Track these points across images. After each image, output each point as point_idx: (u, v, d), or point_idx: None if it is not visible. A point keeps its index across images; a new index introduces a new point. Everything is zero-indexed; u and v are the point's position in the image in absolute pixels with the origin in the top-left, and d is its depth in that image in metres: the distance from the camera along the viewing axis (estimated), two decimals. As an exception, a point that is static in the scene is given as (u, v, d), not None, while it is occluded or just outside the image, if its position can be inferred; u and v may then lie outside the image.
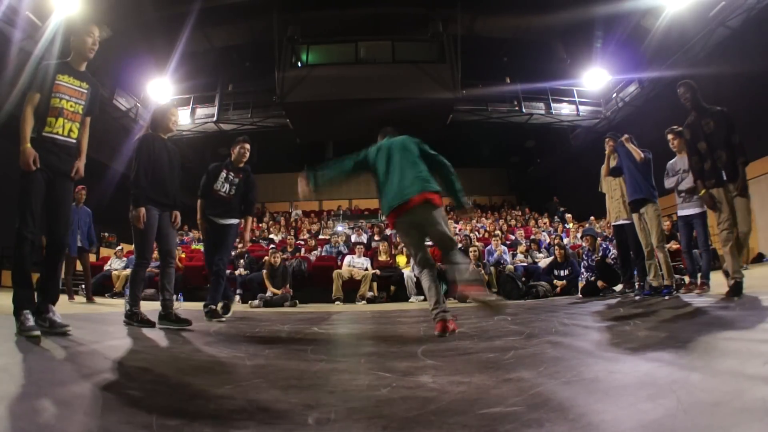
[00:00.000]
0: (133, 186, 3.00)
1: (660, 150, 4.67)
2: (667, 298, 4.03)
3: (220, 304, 3.93)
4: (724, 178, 3.57)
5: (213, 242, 3.94)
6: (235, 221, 3.98)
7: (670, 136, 4.42)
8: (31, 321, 2.20)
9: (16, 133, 2.40)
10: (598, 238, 6.56)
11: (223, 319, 3.78)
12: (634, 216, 4.52)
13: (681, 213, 4.42)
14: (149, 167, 3.05)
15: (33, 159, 2.32)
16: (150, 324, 2.92)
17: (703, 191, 3.69)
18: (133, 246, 3.06)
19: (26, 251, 2.29)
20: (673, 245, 5.98)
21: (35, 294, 2.36)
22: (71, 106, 2.50)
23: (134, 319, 2.93)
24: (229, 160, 4.06)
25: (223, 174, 3.94)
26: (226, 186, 3.93)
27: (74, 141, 2.53)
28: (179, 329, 2.87)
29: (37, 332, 2.14)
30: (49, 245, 2.49)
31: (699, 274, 4.33)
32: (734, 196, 3.51)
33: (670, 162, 4.54)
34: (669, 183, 4.50)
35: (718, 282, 3.68)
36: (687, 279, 4.57)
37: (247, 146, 4.05)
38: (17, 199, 2.32)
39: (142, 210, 2.96)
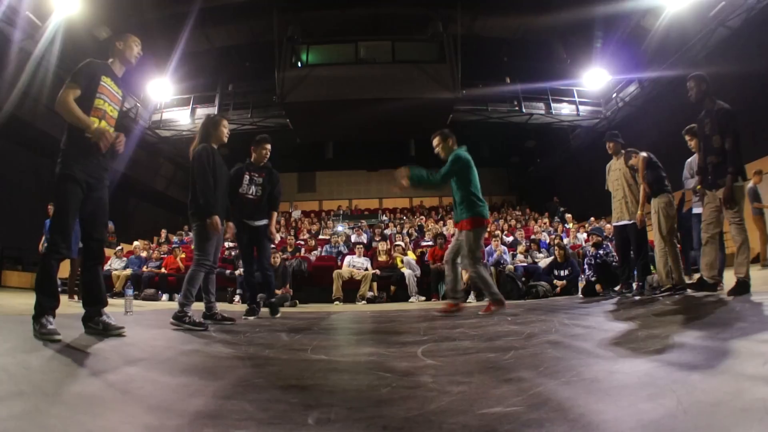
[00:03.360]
0: (202, 195, 3.04)
1: (661, 150, 4.67)
2: (660, 298, 4.03)
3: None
4: (710, 181, 3.60)
5: (249, 245, 4.07)
6: (265, 222, 4.08)
7: (687, 137, 4.38)
8: (51, 325, 2.17)
9: (16, 133, 2.40)
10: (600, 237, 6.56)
11: (279, 314, 4.17)
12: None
13: (696, 211, 4.42)
14: (214, 178, 3.14)
15: (106, 135, 2.24)
16: (201, 326, 2.87)
17: (698, 187, 3.83)
18: (197, 247, 3.15)
19: (56, 264, 2.29)
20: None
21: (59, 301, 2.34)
22: (111, 110, 2.46)
23: (184, 321, 2.87)
24: (249, 161, 4.13)
25: (247, 177, 4.01)
26: (252, 188, 4.01)
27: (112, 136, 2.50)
28: (192, 329, 2.88)
29: (59, 336, 2.12)
30: (89, 252, 2.49)
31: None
32: (722, 205, 3.49)
33: (688, 161, 4.54)
34: (689, 184, 4.51)
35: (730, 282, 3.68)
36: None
37: (269, 146, 4.15)
38: (54, 209, 2.30)
39: (216, 218, 3.05)
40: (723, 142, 3.44)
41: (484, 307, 3.79)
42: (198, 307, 3.27)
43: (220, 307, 3.87)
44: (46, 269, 2.27)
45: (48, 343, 2.04)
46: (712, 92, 3.63)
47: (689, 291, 4.06)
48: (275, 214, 4.32)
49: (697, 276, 5.30)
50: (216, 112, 13.24)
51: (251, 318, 3.90)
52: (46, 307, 2.20)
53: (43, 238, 7.84)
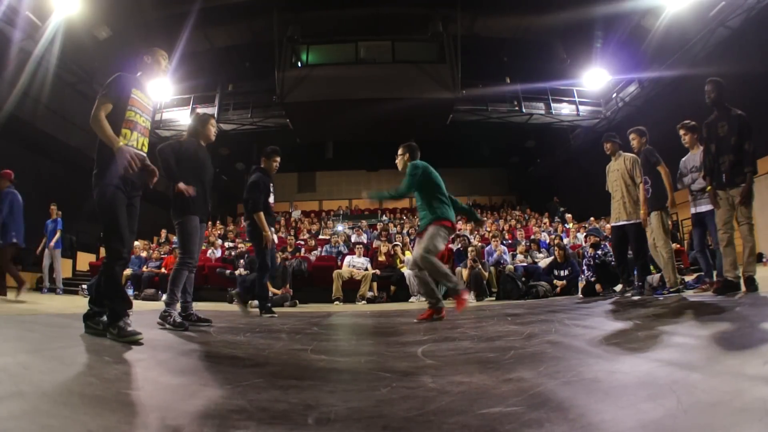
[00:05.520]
0: (179, 194, 3.04)
1: (660, 150, 4.67)
2: (661, 298, 4.03)
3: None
4: (724, 181, 3.66)
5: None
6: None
7: (681, 132, 4.39)
8: (130, 327, 2.19)
9: (16, 133, 2.38)
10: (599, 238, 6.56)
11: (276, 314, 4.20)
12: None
13: (694, 210, 4.39)
14: (193, 174, 3.15)
15: (132, 158, 2.26)
16: (182, 326, 2.86)
17: (709, 188, 3.86)
18: (180, 246, 3.18)
19: (120, 269, 2.33)
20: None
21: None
22: (143, 121, 2.51)
23: (168, 321, 2.89)
24: (262, 167, 4.33)
25: (271, 187, 4.28)
26: (272, 198, 4.31)
27: (144, 155, 2.53)
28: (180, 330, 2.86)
29: (140, 336, 2.15)
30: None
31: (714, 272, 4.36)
32: (737, 203, 3.58)
33: (683, 160, 4.52)
34: (683, 182, 4.51)
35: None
36: (687, 278, 4.57)
37: (279, 159, 4.40)
38: (105, 216, 2.30)
39: (195, 219, 3.10)
40: (742, 144, 3.58)
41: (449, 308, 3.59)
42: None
43: (220, 307, 3.89)
44: (112, 276, 2.30)
45: (129, 344, 2.08)
46: (726, 98, 3.77)
47: (690, 292, 4.08)
48: None
49: (694, 276, 5.31)
50: (216, 112, 13.26)
51: (276, 316, 4.05)
52: (120, 312, 2.24)
53: (44, 240, 7.85)
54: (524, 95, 13.46)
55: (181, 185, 3.04)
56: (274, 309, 4.39)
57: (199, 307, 3.90)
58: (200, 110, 13.17)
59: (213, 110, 13.36)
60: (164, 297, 3.11)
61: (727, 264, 3.65)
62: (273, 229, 4.40)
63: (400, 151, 3.86)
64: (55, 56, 9.08)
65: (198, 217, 3.15)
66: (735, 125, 3.63)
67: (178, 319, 2.93)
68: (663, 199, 4.39)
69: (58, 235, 7.73)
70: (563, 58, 14.24)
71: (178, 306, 3.13)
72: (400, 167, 3.83)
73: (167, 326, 2.85)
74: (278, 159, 4.39)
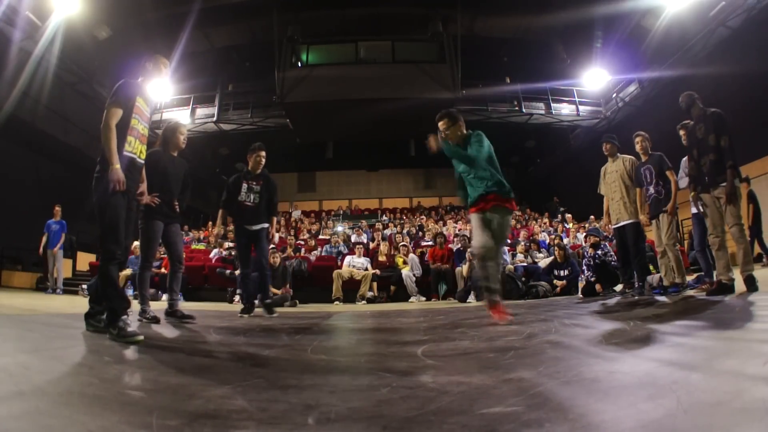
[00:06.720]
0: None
1: (660, 151, 4.67)
2: (660, 298, 4.03)
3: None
4: (707, 182, 3.64)
5: (247, 248, 4.27)
6: (266, 225, 4.28)
7: (682, 132, 4.39)
8: (130, 327, 2.21)
9: (17, 133, 2.39)
10: (598, 238, 6.55)
11: (276, 314, 4.12)
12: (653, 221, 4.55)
13: (694, 210, 4.39)
14: (156, 182, 3.28)
15: (120, 182, 2.30)
16: (156, 320, 3.25)
17: (692, 194, 3.85)
18: (140, 249, 3.50)
19: (115, 269, 2.35)
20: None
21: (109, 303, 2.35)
22: (143, 129, 2.54)
23: (144, 316, 3.28)
24: (247, 169, 4.31)
25: (245, 186, 4.22)
26: (251, 196, 4.23)
27: (142, 162, 2.59)
28: (183, 324, 3.17)
29: (141, 337, 2.16)
30: None
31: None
32: (723, 203, 3.53)
33: (683, 159, 4.53)
34: (683, 183, 4.50)
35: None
36: (687, 278, 4.57)
37: (263, 154, 4.29)
38: (104, 217, 2.32)
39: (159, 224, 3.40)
40: (718, 140, 3.54)
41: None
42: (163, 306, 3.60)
43: (220, 307, 3.91)
44: (107, 276, 2.32)
45: (129, 344, 2.07)
46: (702, 100, 3.80)
47: (693, 293, 4.07)
48: (274, 219, 4.50)
49: (694, 276, 5.32)
50: (216, 112, 13.27)
51: (246, 316, 4.06)
52: (119, 310, 2.24)
53: (44, 238, 8.03)
54: (524, 95, 13.45)
55: (146, 198, 3.05)
56: (275, 309, 4.40)
57: (199, 306, 3.95)
58: (204, 111, 13.31)
59: (213, 110, 13.37)
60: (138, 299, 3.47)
61: (720, 267, 3.62)
62: (267, 225, 4.27)
63: (445, 123, 3.14)
64: (55, 56, 9.09)
65: (160, 222, 3.39)
66: (710, 123, 3.61)
67: (150, 314, 3.30)
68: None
69: (63, 238, 8.22)
70: (563, 58, 14.25)
71: (171, 305, 3.47)
72: (453, 140, 3.15)
73: (144, 320, 3.24)
74: (262, 153, 4.25)
